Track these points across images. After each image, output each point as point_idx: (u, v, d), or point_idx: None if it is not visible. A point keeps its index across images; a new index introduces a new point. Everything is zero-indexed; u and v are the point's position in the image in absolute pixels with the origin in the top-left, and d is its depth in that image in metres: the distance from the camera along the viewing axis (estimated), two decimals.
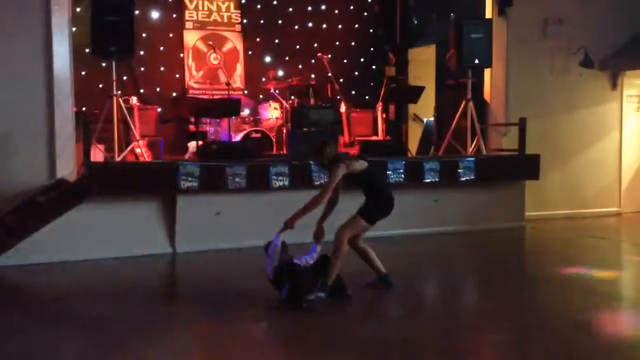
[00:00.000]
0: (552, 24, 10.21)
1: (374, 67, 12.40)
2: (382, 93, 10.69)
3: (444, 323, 5.21)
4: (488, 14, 9.97)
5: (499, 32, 9.77)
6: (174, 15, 11.06)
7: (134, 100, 9.61)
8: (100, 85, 9.80)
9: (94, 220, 7.33)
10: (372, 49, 12.44)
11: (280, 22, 11.76)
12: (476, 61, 9.26)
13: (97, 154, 8.23)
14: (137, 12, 9.15)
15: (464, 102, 9.37)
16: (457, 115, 9.37)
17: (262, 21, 11.64)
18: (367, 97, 12.08)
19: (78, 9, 9.50)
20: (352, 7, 12.30)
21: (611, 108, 10.85)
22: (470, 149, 9.46)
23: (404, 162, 8.53)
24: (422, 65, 12.10)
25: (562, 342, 4.62)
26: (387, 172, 8.36)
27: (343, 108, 10.73)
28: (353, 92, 11.98)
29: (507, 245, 8.52)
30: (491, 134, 10.04)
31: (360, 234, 5.82)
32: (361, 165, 5.68)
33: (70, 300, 5.85)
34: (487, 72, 9.97)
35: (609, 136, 10.86)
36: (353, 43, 12.28)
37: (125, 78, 10.24)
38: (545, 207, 10.18)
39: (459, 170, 8.75)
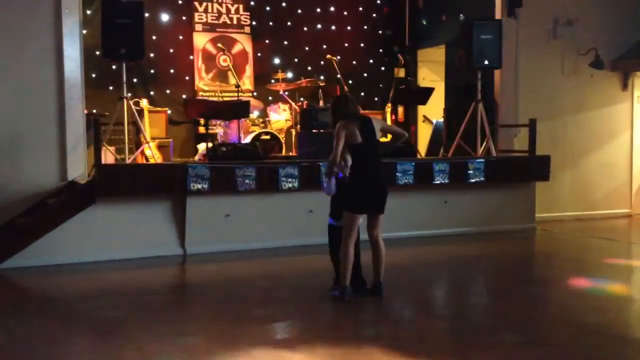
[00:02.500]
0: (562, 25, 10.17)
1: (383, 68, 12.40)
2: (391, 94, 10.67)
3: (454, 325, 5.20)
4: (497, 15, 9.94)
5: (508, 33, 9.74)
6: (184, 18, 11.11)
7: (144, 102, 9.65)
8: (111, 88, 9.87)
9: (104, 222, 7.37)
10: (381, 50, 12.45)
11: (289, 24, 11.78)
12: (486, 62, 9.24)
13: (108, 156, 8.27)
14: (147, 14, 9.18)
15: (473, 103, 9.35)
16: (467, 117, 9.34)
17: (271, 23, 11.66)
18: (376, 99, 12.09)
19: (88, 12, 9.57)
20: (360, 9, 12.31)
21: (622, 109, 10.80)
22: (479, 150, 9.44)
23: (413, 163, 8.52)
24: (432, 66, 12.09)
25: (574, 345, 4.60)
26: (397, 174, 8.36)
27: None
28: (362, 94, 11.98)
29: (517, 247, 8.49)
30: (501, 135, 10.01)
31: (374, 225, 5.64)
32: (357, 138, 5.47)
33: (81, 302, 5.88)
34: (496, 73, 9.94)
35: (620, 137, 10.81)
36: (362, 44, 12.29)
37: (135, 80, 10.29)
38: (556, 208, 10.14)
39: (469, 172, 8.73)
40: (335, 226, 5.72)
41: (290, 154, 9.72)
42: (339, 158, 5.47)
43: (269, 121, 10.37)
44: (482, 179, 8.79)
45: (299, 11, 11.86)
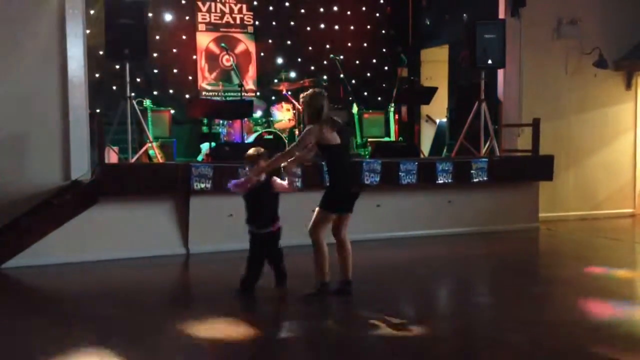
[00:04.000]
0: (565, 25, 10.15)
1: (386, 68, 12.40)
2: (394, 94, 10.67)
3: (459, 325, 5.19)
4: (501, 15, 9.93)
5: (512, 32, 9.73)
6: (187, 18, 11.12)
7: (147, 102, 9.66)
8: (114, 87, 9.88)
9: (108, 221, 7.38)
10: (384, 50, 12.44)
11: (292, 23, 11.78)
12: (489, 62, 9.23)
13: (112, 156, 8.28)
14: (150, 14, 9.21)
15: (477, 103, 9.34)
16: (470, 116, 9.34)
17: (274, 23, 11.67)
18: (379, 98, 12.08)
19: (92, 12, 9.58)
20: (364, 9, 12.31)
21: (625, 108, 10.77)
22: (483, 150, 9.43)
23: (416, 163, 8.51)
24: (435, 65, 12.09)
25: (578, 344, 4.59)
26: (400, 174, 8.35)
27: (355, 109, 10.74)
28: (365, 94, 11.99)
29: (521, 246, 8.48)
30: (504, 135, 9.99)
31: (341, 225, 5.60)
32: (334, 139, 5.47)
33: (84, 301, 5.89)
34: (500, 73, 9.93)
35: (624, 137, 10.78)
36: (365, 44, 12.29)
37: (138, 80, 10.30)
38: (559, 208, 10.13)
39: (472, 171, 8.72)
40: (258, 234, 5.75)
41: None
42: (294, 156, 5.50)
43: (272, 121, 10.37)
44: (485, 178, 8.78)
45: (302, 11, 11.86)
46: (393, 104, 10.80)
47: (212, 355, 4.60)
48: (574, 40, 10.20)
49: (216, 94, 11.03)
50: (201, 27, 11.15)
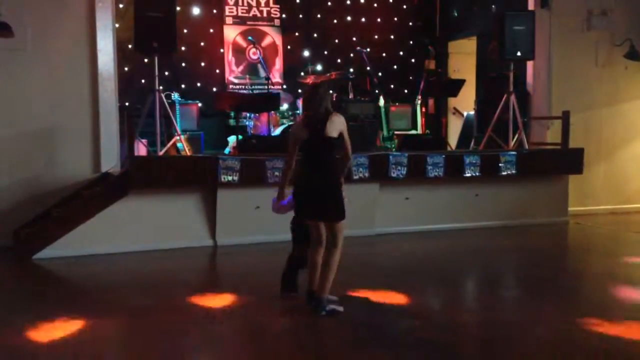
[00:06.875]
0: (596, 16, 9.98)
1: (413, 60, 12.33)
2: (421, 86, 10.61)
3: (487, 318, 5.17)
4: (530, 6, 9.81)
5: (541, 23, 9.60)
6: (215, 11, 11.19)
7: (175, 95, 9.74)
8: (143, 81, 9.98)
9: (137, 213, 7.46)
10: (411, 42, 12.37)
11: (319, 16, 11.78)
12: (518, 53, 9.12)
13: (140, 148, 8.37)
14: (178, 8, 9.27)
15: (505, 95, 9.25)
16: (499, 109, 9.24)
17: (300, 15, 11.68)
18: (406, 91, 12.03)
19: (121, 5, 9.68)
20: (390, 0, 12.25)
21: None
22: (511, 143, 9.33)
23: (443, 156, 8.46)
24: (463, 58, 11.98)
25: (610, 338, 4.55)
26: (427, 167, 8.31)
27: (382, 102, 10.69)
28: (392, 86, 11.94)
29: (550, 240, 8.39)
30: (533, 128, 9.88)
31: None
32: (304, 133, 5.09)
33: (114, 291, 5.98)
34: (529, 65, 9.82)
35: None
36: (392, 36, 12.24)
37: (167, 73, 10.39)
38: (589, 202, 10.00)
39: (500, 165, 8.64)
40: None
41: None
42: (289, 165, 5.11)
43: (298, 113, 10.38)
44: (514, 171, 8.70)
45: (329, 3, 11.86)
46: (420, 97, 10.73)
47: (249, 344, 4.64)
48: (604, 31, 10.03)
49: (243, 87, 11.07)
50: (228, 20, 11.21)
